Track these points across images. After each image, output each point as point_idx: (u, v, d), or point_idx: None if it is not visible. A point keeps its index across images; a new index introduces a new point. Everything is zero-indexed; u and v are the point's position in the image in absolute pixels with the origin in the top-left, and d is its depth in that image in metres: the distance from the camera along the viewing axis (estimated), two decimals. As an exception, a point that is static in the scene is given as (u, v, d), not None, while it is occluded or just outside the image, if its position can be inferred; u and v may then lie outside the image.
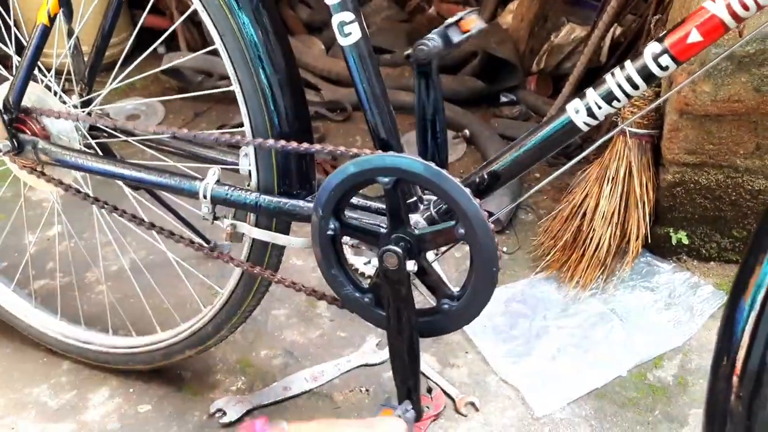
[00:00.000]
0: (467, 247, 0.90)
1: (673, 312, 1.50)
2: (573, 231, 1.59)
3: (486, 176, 0.93)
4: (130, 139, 1.18)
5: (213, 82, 2.26)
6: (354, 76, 0.93)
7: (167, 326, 1.32)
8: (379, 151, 0.94)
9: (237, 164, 1.09)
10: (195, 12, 1.02)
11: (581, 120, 0.86)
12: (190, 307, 1.45)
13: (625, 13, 2.01)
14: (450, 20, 0.92)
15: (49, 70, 1.22)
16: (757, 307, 0.72)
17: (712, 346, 0.77)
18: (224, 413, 1.30)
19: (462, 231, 0.89)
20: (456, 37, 0.92)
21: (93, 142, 1.21)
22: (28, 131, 1.18)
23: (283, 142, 0.97)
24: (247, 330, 1.48)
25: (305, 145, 0.97)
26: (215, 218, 1.07)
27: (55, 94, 1.21)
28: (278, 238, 1.09)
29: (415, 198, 0.97)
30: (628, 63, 0.82)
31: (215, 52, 1.03)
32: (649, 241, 1.59)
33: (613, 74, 0.83)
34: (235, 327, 1.24)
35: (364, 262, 1.54)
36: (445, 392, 1.34)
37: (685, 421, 1.29)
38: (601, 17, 1.83)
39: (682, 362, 1.40)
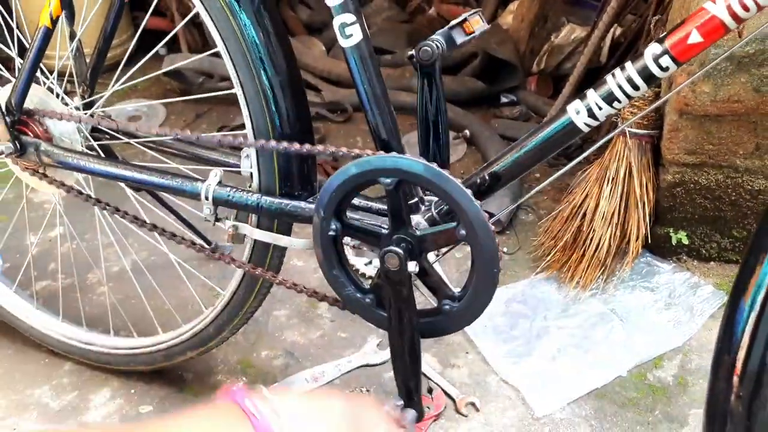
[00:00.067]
0: (468, 248, 0.91)
1: (673, 312, 1.50)
2: (573, 231, 1.59)
3: (487, 177, 0.93)
4: (132, 141, 1.19)
5: (214, 84, 2.26)
6: (355, 77, 0.94)
7: (169, 327, 1.32)
8: (381, 152, 0.94)
9: (239, 166, 1.09)
10: (196, 14, 1.02)
11: (582, 121, 0.86)
12: (191, 308, 1.45)
13: (625, 13, 2.01)
14: (454, 21, 0.92)
15: (51, 72, 1.22)
16: (757, 307, 0.73)
17: (712, 346, 0.77)
18: (226, 414, 1.31)
19: (463, 232, 0.89)
20: (460, 38, 0.92)
21: (95, 143, 1.21)
22: (30, 133, 1.18)
23: (285, 144, 0.98)
24: (249, 331, 1.48)
25: (307, 146, 0.97)
26: (217, 220, 1.08)
27: (58, 96, 1.22)
28: (280, 240, 1.09)
29: (416, 199, 0.97)
30: (628, 64, 0.83)
31: (216, 54, 1.04)
32: (649, 241, 1.59)
33: (613, 75, 0.83)
34: (237, 328, 1.25)
35: (365, 263, 1.54)
36: (445, 392, 1.34)
37: (685, 422, 1.29)
38: (601, 17, 1.83)
39: (682, 362, 1.40)
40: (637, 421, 1.29)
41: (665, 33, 0.80)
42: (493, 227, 0.88)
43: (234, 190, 1.05)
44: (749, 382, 0.73)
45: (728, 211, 1.54)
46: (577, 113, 0.86)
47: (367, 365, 1.41)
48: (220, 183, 1.06)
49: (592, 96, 0.85)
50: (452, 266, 1.60)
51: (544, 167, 1.83)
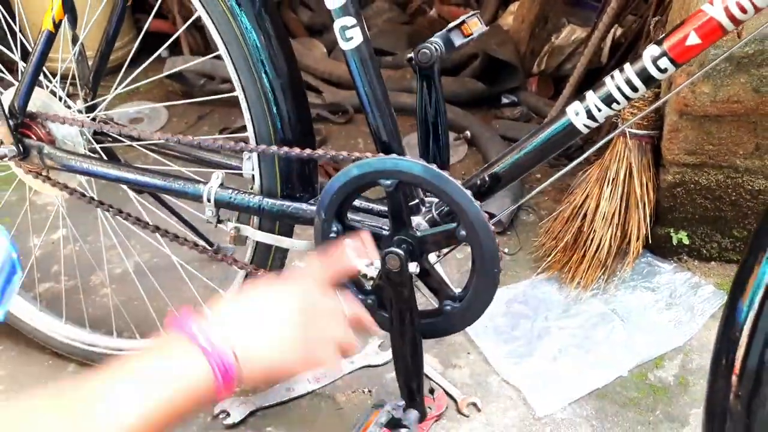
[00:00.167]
0: (469, 249, 0.91)
1: (674, 312, 1.51)
2: (574, 232, 1.59)
3: (487, 178, 0.94)
4: (134, 143, 1.19)
5: (215, 85, 2.27)
6: (356, 79, 0.94)
7: (171, 328, 1.32)
8: (381, 154, 0.94)
9: (240, 168, 1.10)
10: (198, 16, 1.03)
11: (581, 122, 0.87)
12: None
13: (625, 14, 2.02)
14: (452, 24, 0.93)
15: (54, 75, 1.23)
16: (755, 306, 0.73)
17: (713, 345, 0.78)
18: (228, 414, 1.31)
19: (463, 233, 0.90)
20: (458, 40, 0.93)
21: (98, 146, 1.22)
22: (33, 136, 1.19)
23: (286, 149, 0.98)
24: (251, 332, 1.48)
25: (308, 150, 0.98)
26: (219, 221, 1.08)
27: (60, 99, 1.22)
28: (281, 241, 1.09)
29: (417, 200, 0.98)
30: (627, 66, 0.83)
31: (218, 57, 1.04)
32: (650, 241, 1.59)
33: (612, 77, 0.84)
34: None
35: (366, 264, 1.54)
36: (447, 393, 1.35)
37: (686, 421, 1.30)
38: (601, 18, 1.83)
39: (683, 362, 1.40)
40: (638, 421, 1.30)
41: (663, 35, 0.81)
42: (493, 228, 0.89)
43: (236, 192, 1.06)
44: (748, 381, 0.73)
45: (729, 211, 1.55)
46: (576, 115, 0.86)
47: (369, 366, 1.41)
48: (221, 185, 1.06)
49: (591, 98, 0.85)
50: (453, 267, 1.61)
51: (545, 168, 1.83)
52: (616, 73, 0.84)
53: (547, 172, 1.83)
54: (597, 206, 1.57)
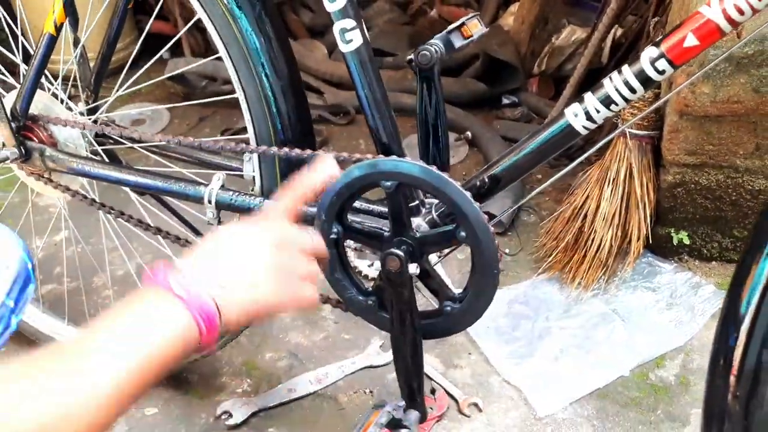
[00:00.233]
0: (469, 249, 0.91)
1: (674, 312, 1.51)
2: (575, 232, 1.59)
3: (487, 179, 0.94)
4: (136, 145, 1.20)
5: (217, 87, 2.27)
6: (355, 81, 0.95)
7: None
8: (381, 155, 0.95)
9: (241, 169, 1.10)
10: (199, 18, 1.03)
11: (580, 124, 0.87)
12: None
13: (625, 14, 2.02)
14: (452, 26, 0.93)
15: (55, 78, 1.23)
16: (753, 306, 0.74)
17: (712, 345, 0.78)
18: (230, 415, 1.32)
19: (463, 234, 0.90)
20: (458, 42, 0.93)
21: (99, 148, 1.22)
22: (35, 139, 1.20)
23: (286, 150, 0.99)
24: (253, 333, 1.49)
25: (308, 151, 0.98)
26: (220, 223, 1.09)
27: (62, 101, 1.23)
28: (282, 242, 1.10)
29: (417, 201, 0.98)
30: (625, 67, 0.83)
31: (219, 58, 1.05)
32: (651, 241, 1.59)
33: (611, 78, 0.84)
34: (240, 330, 1.25)
35: (367, 265, 1.55)
36: (448, 393, 1.35)
37: (687, 421, 1.30)
38: (601, 19, 1.83)
39: (683, 362, 1.41)
40: (640, 421, 1.30)
41: (662, 36, 0.81)
42: (492, 229, 0.89)
43: (237, 193, 1.06)
44: (746, 381, 0.73)
45: (729, 211, 1.55)
46: (575, 116, 0.87)
47: (371, 366, 1.41)
48: (222, 187, 1.07)
49: (590, 99, 0.86)
50: (454, 268, 1.61)
51: (546, 168, 1.83)
52: (615, 74, 0.84)
53: (547, 173, 1.83)
54: (597, 206, 1.57)
